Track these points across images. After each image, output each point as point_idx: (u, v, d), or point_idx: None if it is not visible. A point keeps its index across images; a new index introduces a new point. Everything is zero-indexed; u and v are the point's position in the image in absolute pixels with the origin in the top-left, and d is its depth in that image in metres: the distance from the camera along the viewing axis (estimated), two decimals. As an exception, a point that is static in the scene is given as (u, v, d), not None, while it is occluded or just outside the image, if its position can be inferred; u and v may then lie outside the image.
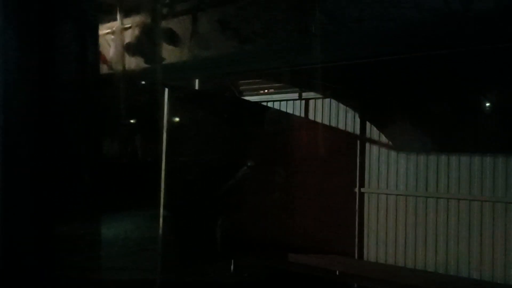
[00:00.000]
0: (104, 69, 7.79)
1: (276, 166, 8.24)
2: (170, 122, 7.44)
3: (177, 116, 7.66)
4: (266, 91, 8.89)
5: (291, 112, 8.48)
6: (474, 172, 6.66)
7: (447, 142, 6.87)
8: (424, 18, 3.95)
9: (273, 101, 8.76)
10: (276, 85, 8.70)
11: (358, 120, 7.73)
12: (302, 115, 8.35)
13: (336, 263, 7.34)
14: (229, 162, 8.08)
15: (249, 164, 8.18)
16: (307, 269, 7.27)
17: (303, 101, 8.36)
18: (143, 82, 8.25)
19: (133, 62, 7.70)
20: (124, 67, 7.65)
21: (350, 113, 7.83)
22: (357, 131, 7.72)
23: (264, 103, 8.80)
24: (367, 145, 7.63)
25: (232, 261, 7.88)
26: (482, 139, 6.50)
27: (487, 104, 6.48)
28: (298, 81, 8.28)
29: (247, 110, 8.56)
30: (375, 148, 7.56)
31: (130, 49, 7.05)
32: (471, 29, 4.49)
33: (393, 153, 7.36)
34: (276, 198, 8.08)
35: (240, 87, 9.24)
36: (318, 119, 8.16)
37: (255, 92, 9.02)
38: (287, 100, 8.55)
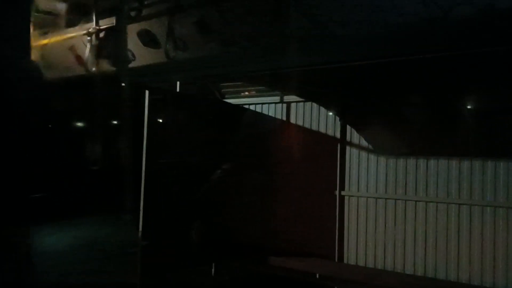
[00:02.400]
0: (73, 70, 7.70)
1: (256, 169, 8.23)
2: (150, 124, 7.37)
3: (157, 118, 7.59)
4: (247, 94, 8.88)
5: (273, 115, 8.49)
6: (452, 176, 6.76)
7: (426, 146, 6.96)
8: (405, 23, 3.98)
9: (255, 104, 8.76)
10: (258, 88, 8.72)
11: (338, 123, 7.78)
12: (284, 118, 8.37)
13: (316, 266, 7.36)
14: (209, 165, 8.04)
15: (225, 166, 8.16)
16: (287, 272, 7.27)
17: (285, 105, 8.38)
18: (123, 84, 8.15)
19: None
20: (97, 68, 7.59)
21: (331, 116, 7.88)
22: (338, 135, 7.76)
23: (246, 106, 8.79)
24: (348, 148, 7.68)
25: (213, 264, 7.85)
26: (461, 143, 6.60)
27: (467, 108, 6.58)
28: (279, 84, 8.30)
29: (228, 112, 8.54)
30: (355, 152, 7.61)
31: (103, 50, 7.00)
32: (452, 34, 4.56)
33: (372, 157, 7.42)
34: (256, 200, 8.07)
35: (222, 90, 9.22)
36: (299, 122, 8.19)
37: (237, 95, 9.01)
38: (268, 103, 8.56)
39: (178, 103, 8.06)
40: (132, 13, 5.96)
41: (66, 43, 9.20)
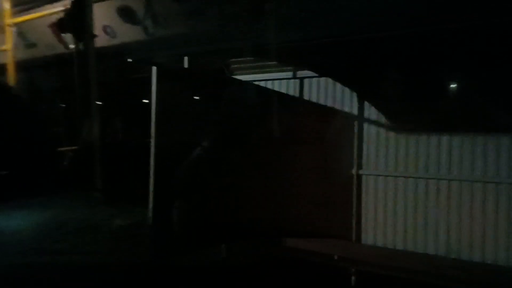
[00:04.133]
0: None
1: (267, 148, 7.94)
2: (159, 102, 7.06)
3: (166, 96, 7.27)
4: (258, 69, 8.52)
5: (285, 91, 8.15)
6: (477, 153, 6.46)
7: (450, 123, 6.63)
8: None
9: (266, 80, 8.40)
10: (269, 63, 8.35)
11: (355, 99, 7.45)
12: (297, 94, 8.03)
13: (333, 247, 7.13)
14: (218, 145, 7.76)
15: (234, 146, 7.86)
16: (302, 254, 7.05)
17: (298, 80, 8.03)
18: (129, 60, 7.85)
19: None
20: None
21: (347, 92, 7.53)
22: (355, 111, 7.43)
23: (257, 82, 8.45)
24: (365, 125, 7.36)
25: (224, 246, 7.61)
26: (489, 120, 6.27)
27: (500, 84, 6.23)
28: (291, 59, 7.95)
29: (237, 89, 8.20)
30: (373, 129, 7.30)
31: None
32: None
33: (392, 134, 7.11)
34: (268, 181, 7.79)
35: (232, 66, 8.86)
36: (313, 99, 7.85)
37: (247, 71, 8.65)
38: (280, 79, 8.20)
39: (188, 80, 7.74)
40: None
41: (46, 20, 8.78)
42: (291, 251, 7.26)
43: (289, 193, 7.69)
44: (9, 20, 8.68)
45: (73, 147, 8.27)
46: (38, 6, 8.90)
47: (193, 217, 7.28)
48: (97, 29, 8.12)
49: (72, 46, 7.77)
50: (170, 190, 7.10)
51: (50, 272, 5.98)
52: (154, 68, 7.20)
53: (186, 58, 7.93)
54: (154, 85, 7.16)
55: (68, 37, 7.77)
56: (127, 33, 7.89)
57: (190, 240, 7.20)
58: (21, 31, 9.31)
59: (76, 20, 7.27)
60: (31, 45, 9.38)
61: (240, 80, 8.50)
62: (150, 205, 7.15)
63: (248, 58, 8.51)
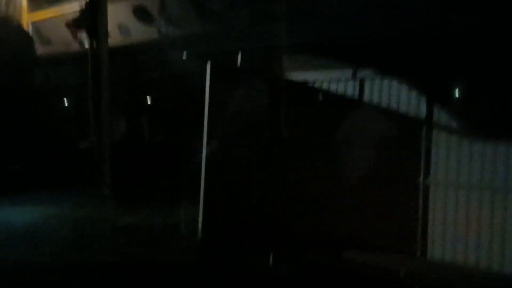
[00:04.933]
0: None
1: (325, 152, 7.44)
2: (211, 99, 6.68)
3: (220, 93, 6.86)
4: (313, 69, 8.00)
5: (343, 93, 7.61)
6: None
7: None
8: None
9: (321, 80, 7.87)
10: (325, 62, 7.83)
11: (423, 102, 6.84)
12: (356, 96, 7.47)
13: (395, 261, 6.56)
14: (271, 147, 7.32)
15: (287, 149, 7.41)
16: (360, 267, 6.49)
17: (358, 81, 7.48)
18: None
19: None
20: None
21: (414, 95, 6.93)
22: (423, 115, 6.83)
23: (311, 83, 7.94)
24: (435, 130, 6.75)
25: (271, 253, 7.11)
26: None
27: None
28: (352, 57, 7.44)
29: (288, 89, 7.75)
30: (443, 134, 6.68)
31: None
32: None
33: (465, 140, 6.48)
34: (325, 188, 7.29)
35: (283, 64, 8.37)
36: (375, 101, 7.28)
37: (301, 70, 8.14)
38: (338, 79, 7.66)
39: (242, 78, 7.33)
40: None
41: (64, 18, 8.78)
42: (346, 263, 6.72)
43: (347, 200, 7.17)
44: (26, 18, 8.83)
45: (85, 144, 8.30)
46: (56, 4, 9.13)
47: (241, 221, 6.86)
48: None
49: (86, 43, 7.80)
50: (220, 192, 6.70)
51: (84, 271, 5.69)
52: (208, 64, 6.82)
53: (239, 55, 7.49)
54: (208, 82, 6.76)
55: (83, 35, 7.80)
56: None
57: (237, 244, 6.79)
58: (39, 29, 9.42)
59: (91, 18, 7.33)
60: (46, 42, 9.56)
61: (292, 81, 8.04)
62: (201, 207, 6.76)
63: (301, 56, 8.02)
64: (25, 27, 8.83)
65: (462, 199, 6.49)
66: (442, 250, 6.64)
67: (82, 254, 6.27)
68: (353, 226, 6.96)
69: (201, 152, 6.66)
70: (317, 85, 7.73)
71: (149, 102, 10.58)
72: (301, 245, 6.94)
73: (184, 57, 7.38)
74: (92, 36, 7.56)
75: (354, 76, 7.45)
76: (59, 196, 7.73)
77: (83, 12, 7.44)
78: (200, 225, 6.60)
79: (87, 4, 7.44)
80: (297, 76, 8.05)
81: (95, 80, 7.72)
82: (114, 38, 8.59)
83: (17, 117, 7.86)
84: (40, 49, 9.39)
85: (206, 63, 6.78)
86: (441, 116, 6.69)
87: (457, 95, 6.61)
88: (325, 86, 7.70)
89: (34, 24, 9.36)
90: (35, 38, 9.44)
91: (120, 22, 9.01)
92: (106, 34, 7.49)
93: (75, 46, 8.45)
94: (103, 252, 6.39)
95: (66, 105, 10.64)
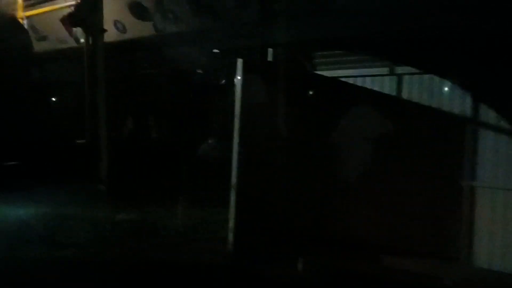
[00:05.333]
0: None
1: (362, 152, 7.07)
2: (244, 97, 6.31)
3: (252, 92, 6.50)
4: (347, 64, 7.62)
5: (379, 89, 7.24)
6: None
7: None
8: None
9: (355, 76, 7.49)
10: (361, 57, 7.45)
11: (468, 100, 6.47)
12: (394, 93, 7.10)
13: (439, 268, 6.21)
14: (303, 146, 6.97)
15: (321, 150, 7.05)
16: (402, 275, 6.14)
17: (395, 77, 7.10)
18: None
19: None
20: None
21: (458, 91, 6.56)
22: (468, 114, 6.45)
23: (344, 79, 7.56)
24: (481, 130, 6.37)
25: (301, 258, 6.77)
26: None
27: None
28: (389, 52, 7.06)
29: (320, 86, 7.39)
30: (491, 134, 6.30)
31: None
32: None
33: (516, 141, 6.11)
34: (360, 190, 6.93)
35: (314, 59, 8.00)
36: (415, 99, 6.91)
37: (333, 65, 7.77)
38: (374, 75, 7.29)
39: (273, 74, 6.96)
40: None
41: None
42: (386, 270, 6.37)
43: (385, 203, 6.81)
44: (21, 13, 8.77)
45: (83, 141, 8.06)
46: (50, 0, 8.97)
47: (274, 223, 6.53)
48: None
49: (82, 40, 7.77)
50: (255, 194, 6.36)
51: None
52: (240, 61, 6.46)
53: (270, 51, 7.14)
54: (240, 79, 6.41)
55: (78, 31, 7.82)
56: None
57: (271, 248, 6.46)
58: (33, 25, 9.31)
59: (86, 14, 7.30)
60: (42, 38, 9.47)
61: (325, 76, 7.67)
62: (232, 209, 6.41)
63: (334, 51, 7.65)
64: (21, 22, 8.74)
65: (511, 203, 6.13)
66: (489, 256, 6.28)
67: (107, 253, 5.96)
68: (392, 229, 6.61)
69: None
70: (354, 81, 7.34)
71: (160, 99, 10.35)
72: (337, 251, 6.61)
73: (213, 53, 7.05)
74: (88, 31, 7.48)
75: (392, 72, 7.07)
76: (63, 193, 7.46)
77: (79, 8, 7.41)
78: (231, 227, 6.23)
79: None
80: (334, 73, 7.67)
81: (91, 76, 7.59)
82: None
83: (13, 114, 7.78)
84: (36, 45, 9.23)
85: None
86: (488, 115, 6.32)
87: (505, 94, 6.22)
88: (362, 83, 7.31)
89: (29, 19, 9.24)
90: (31, 33, 9.21)
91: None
92: (102, 30, 7.38)
93: (70, 42, 8.32)
94: (127, 254, 6.08)
95: (62, 101, 10.49)
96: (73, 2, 7.59)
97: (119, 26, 8.28)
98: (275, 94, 6.65)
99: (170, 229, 7.12)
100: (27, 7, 9.07)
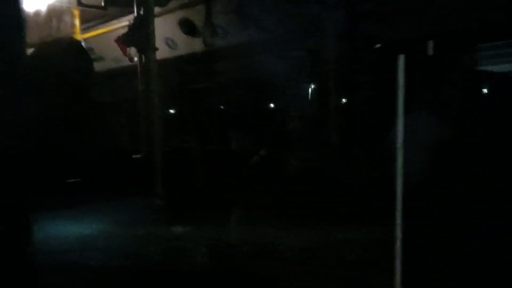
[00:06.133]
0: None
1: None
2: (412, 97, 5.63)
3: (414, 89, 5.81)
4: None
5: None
6: None
7: None
8: None
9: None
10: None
11: None
12: None
13: None
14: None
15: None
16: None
17: None
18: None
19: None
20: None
21: None
22: None
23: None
24: None
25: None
26: None
27: None
28: None
29: (488, 82, 6.49)
30: None
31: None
32: None
33: None
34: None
35: (475, 54, 7.06)
36: None
37: (501, 60, 6.80)
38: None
39: (435, 70, 6.24)
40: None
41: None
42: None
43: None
44: (79, 36, 9.38)
45: (138, 155, 8.45)
46: (106, 22, 9.84)
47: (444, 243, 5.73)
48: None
49: (136, 58, 8.25)
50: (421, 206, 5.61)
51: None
52: (401, 57, 5.78)
53: (430, 44, 6.36)
54: (401, 77, 5.73)
55: (132, 50, 8.26)
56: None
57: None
58: (90, 46, 10.05)
59: (139, 34, 7.71)
60: (98, 59, 10.28)
61: (492, 72, 6.75)
62: (397, 226, 5.66)
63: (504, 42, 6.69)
64: (81, 44, 9.27)
65: None
66: None
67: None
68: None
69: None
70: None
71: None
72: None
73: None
74: (141, 50, 7.92)
75: None
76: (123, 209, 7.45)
77: (131, 28, 7.78)
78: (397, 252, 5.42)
79: (135, 19, 7.77)
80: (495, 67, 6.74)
81: (146, 93, 7.98)
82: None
83: (76, 132, 8.02)
84: (95, 65, 9.87)
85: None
86: None
87: None
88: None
89: (86, 41, 9.98)
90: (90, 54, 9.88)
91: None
92: (154, 48, 7.74)
93: (124, 61, 8.80)
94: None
95: (119, 118, 10.90)
96: (127, 23, 8.08)
97: (170, 42, 9.03)
98: (438, 91, 5.94)
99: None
100: (84, 29, 9.81)
